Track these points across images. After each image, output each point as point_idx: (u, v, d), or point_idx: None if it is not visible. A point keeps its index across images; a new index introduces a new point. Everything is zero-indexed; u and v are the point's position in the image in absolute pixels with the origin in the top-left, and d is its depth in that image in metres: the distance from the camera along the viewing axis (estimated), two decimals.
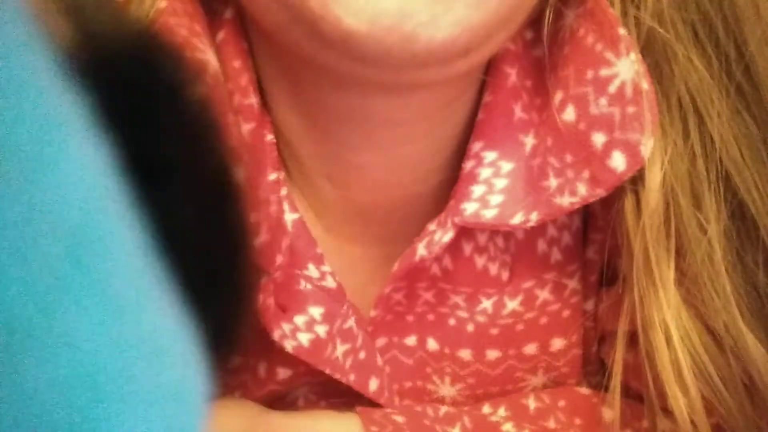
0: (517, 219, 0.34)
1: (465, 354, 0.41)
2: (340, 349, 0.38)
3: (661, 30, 0.32)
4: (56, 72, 0.11)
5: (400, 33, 0.26)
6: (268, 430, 0.38)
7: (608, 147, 0.32)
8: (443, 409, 0.41)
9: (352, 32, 0.26)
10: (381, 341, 0.41)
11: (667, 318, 0.32)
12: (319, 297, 0.37)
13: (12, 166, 0.11)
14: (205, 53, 0.31)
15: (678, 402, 0.32)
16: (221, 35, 0.34)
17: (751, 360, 0.32)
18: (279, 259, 0.33)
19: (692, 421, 0.33)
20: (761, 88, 0.31)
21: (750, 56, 0.31)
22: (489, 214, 0.35)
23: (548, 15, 0.33)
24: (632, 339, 0.36)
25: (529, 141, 0.35)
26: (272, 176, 0.36)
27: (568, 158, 0.33)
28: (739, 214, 0.32)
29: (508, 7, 0.27)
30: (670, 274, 0.33)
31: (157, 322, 0.13)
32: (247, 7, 0.31)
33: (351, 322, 0.39)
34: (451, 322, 0.40)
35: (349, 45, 0.26)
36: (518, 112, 0.35)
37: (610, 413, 0.39)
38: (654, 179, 0.32)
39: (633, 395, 0.38)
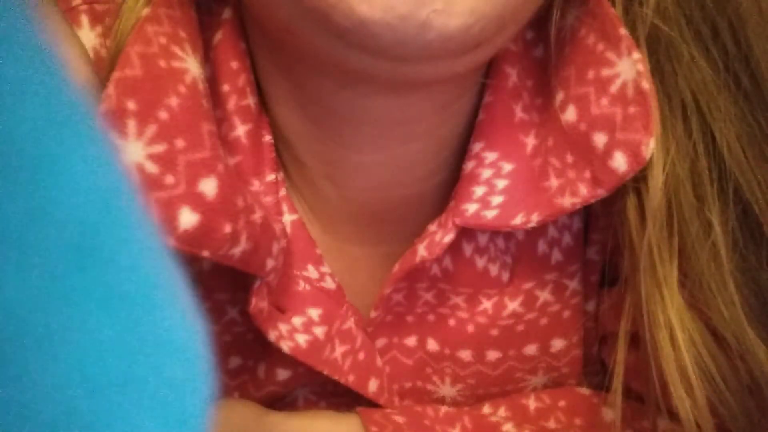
0: (518, 220, 0.34)
1: (465, 354, 0.41)
2: (339, 350, 0.38)
3: (665, 28, 0.32)
4: (61, 70, 0.11)
5: (415, 20, 0.25)
6: (268, 431, 0.38)
7: (609, 147, 0.32)
8: (443, 410, 0.41)
9: (365, 20, 0.25)
10: (381, 342, 0.41)
11: (671, 319, 0.32)
12: (318, 298, 0.37)
13: (15, 165, 0.10)
14: (184, 61, 0.30)
15: (683, 402, 0.32)
16: (219, 36, 0.33)
17: (756, 361, 0.32)
18: (270, 263, 0.33)
19: (696, 422, 0.32)
20: (764, 86, 0.31)
21: (753, 55, 0.31)
22: (490, 214, 0.35)
23: (555, 14, 0.33)
24: (633, 340, 0.36)
25: (530, 141, 0.35)
26: (270, 177, 0.36)
27: (569, 158, 0.33)
28: (742, 214, 0.32)
29: None
30: (674, 275, 0.33)
31: (164, 323, 0.13)
32: (251, 5, 0.31)
33: (350, 323, 0.39)
34: (452, 322, 0.40)
35: (362, 34, 0.26)
36: (519, 112, 0.35)
37: (611, 413, 0.39)
38: (656, 179, 0.32)
39: (633, 396, 0.38)
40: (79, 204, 0.11)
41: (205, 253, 0.30)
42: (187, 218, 0.28)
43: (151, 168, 0.28)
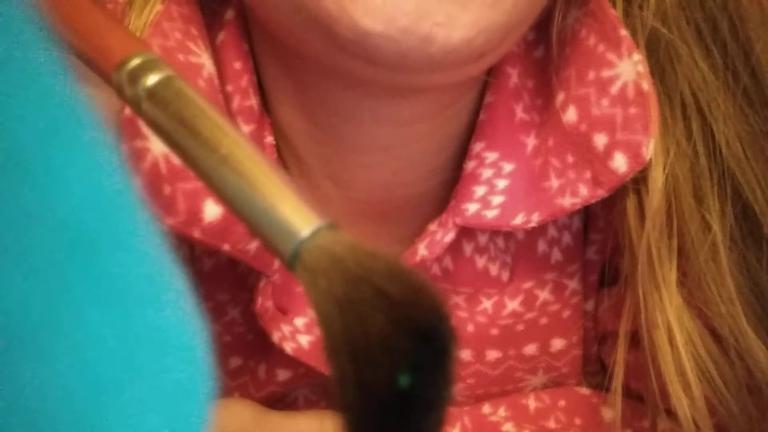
0: (518, 219, 0.34)
1: (465, 354, 0.41)
2: None
3: (664, 30, 0.32)
4: (64, 70, 0.11)
5: (417, 34, 0.25)
6: (268, 430, 0.38)
7: (610, 148, 0.32)
8: None
9: (367, 33, 0.25)
10: None
11: (670, 318, 0.32)
12: None
13: (15, 166, 0.10)
14: (199, 56, 0.31)
15: (681, 402, 0.32)
16: (222, 36, 0.33)
17: (754, 360, 0.32)
18: (277, 262, 0.33)
19: (695, 422, 0.32)
20: (765, 86, 0.32)
21: (754, 54, 0.31)
22: (490, 214, 0.35)
23: (557, 16, 0.33)
24: (633, 339, 0.36)
25: (531, 142, 0.35)
26: None
27: (570, 159, 0.33)
28: (742, 214, 0.32)
29: (521, 8, 0.27)
30: (673, 275, 0.33)
31: (164, 323, 0.13)
32: (254, 8, 0.31)
33: None
34: None
35: (364, 46, 0.26)
36: (519, 112, 0.35)
37: (611, 413, 0.39)
38: (656, 179, 0.32)
39: (633, 395, 0.38)
40: (79, 204, 0.11)
41: (226, 247, 0.30)
42: (212, 210, 0.29)
43: (177, 159, 0.28)
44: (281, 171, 0.19)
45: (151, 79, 0.20)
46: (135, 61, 0.20)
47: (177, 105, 0.19)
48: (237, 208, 0.18)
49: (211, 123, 0.19)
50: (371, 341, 0.15)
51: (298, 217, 0.17)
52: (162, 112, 0.19)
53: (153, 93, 0.19)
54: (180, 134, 0.19)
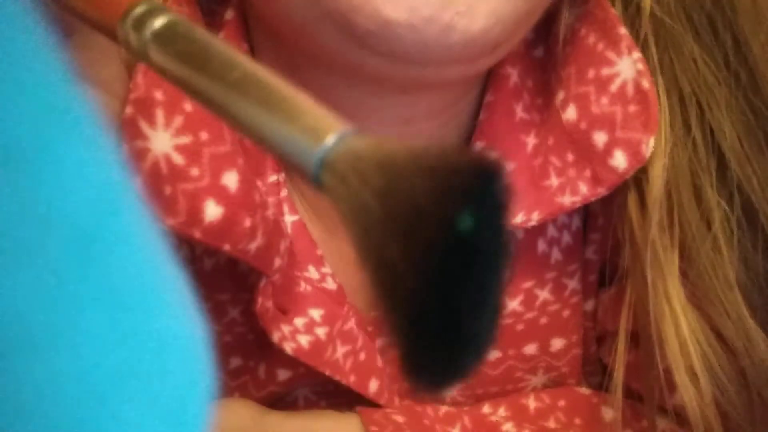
0: (518, 218, 0.34)
1: None
2: (341, 350, 0.38)
3: (667, 19, 0.32)
4: (63, 69, 0.11)
5: (439, 23, 0.26)
6: (268, 431, 0.38)
7: (610, 146, 0.32)
8: (443, 409, 0.41)
9: (389, 22, 0.26)
10: (381, 341, 0.41)
11: (676, 308, 0.33)
12: (320, 299, 0.37)
13: (15, 164, 0.10)
14: None
15: (688, 392, 0.32)
16: (221, 36, 0.33)
17: (756, 353, 0.32)
18: (277, 262, 0.33)
19: (702, 412, 0.32)
20: (758, 77, 0.32)
21: (747, 46, 0.31)
22: None
23: (564, 13, 0.34)
24: (633, 339, 0.36)
25: (531, 141, 0.35)
26: (272, 178, 0.36)
27: (570, 157, 0.33)
28: (739, 203, 0.32)
29: None
30: (675, 264, 0.33)
31: (165, 323, 0.13)
32: (260, 6, 0.31)
33: (351, 324, 0.38)
34: None
35: (385, 37, 0.26)
36: (519, 112, 0.35)
37: (611, 413, 0.39)
38: (656, 171, 0.32)
39: (633, 395, 0.38)
40: (78, 204, 0.11)
41: (226, 247, 0.30)
42: (212, 211, 0.29)
43: (178, 159, 0.28)
44: (296, 89, 0.18)
45: (157, 23, 0.19)
46: (139, 9, 0.20)
47: (184, 42, 0.19)
48: (256, 133, 0.18)
49: (220, 52, 0.18)
50: (421, 207, 0.14)
51: (320, 127, 0.17)
52: (169, 52, 0.19)
53: (159, 35, 0.19)
54: (189, 71, 0.18)
